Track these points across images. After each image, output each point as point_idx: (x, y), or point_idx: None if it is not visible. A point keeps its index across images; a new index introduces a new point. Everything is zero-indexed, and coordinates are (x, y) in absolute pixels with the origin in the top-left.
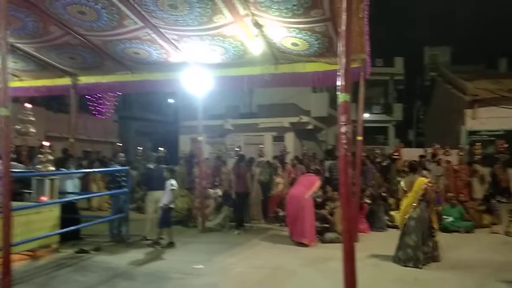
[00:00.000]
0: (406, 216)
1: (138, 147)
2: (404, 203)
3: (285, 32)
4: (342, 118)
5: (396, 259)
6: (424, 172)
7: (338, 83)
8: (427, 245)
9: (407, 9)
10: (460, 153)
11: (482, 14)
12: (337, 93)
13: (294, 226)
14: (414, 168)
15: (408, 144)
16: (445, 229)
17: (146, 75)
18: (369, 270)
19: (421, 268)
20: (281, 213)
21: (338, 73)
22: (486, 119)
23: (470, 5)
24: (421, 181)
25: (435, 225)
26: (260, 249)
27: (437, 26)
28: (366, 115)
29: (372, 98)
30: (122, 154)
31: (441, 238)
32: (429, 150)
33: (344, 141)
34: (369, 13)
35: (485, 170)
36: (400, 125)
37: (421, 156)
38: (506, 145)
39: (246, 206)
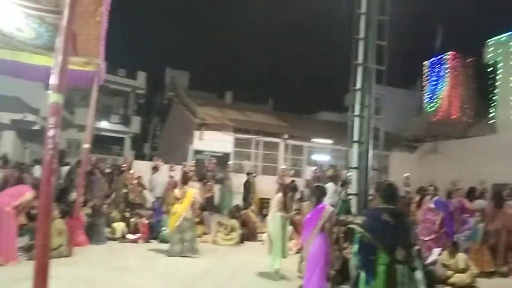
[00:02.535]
0: (180, 218)
1: None
2: (179, 208)
3: (9, 12)
4: (51, 121)
5: (172, 252)
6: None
7: (52, 81)
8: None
9: (156, 30)
10: (184, 169)
11: (220, 50)
12: (48, 92)
13: None
14: (186, 180)
15: (142, 157)
16: (163, 239)
17: None
18: (80, 286)
19: (196, 257)
20: None
21: (52, 71)
22: (210, 141)
23: (210, 40)
24: (192, 192)
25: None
26: None
27: (181, 51)
28: (104, 124)
29: (112, 107)
30: None
31: (161, 248)
32: (151, 164)
33: (51, 146)
34: (117, 24)
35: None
36: (137, 137)
37: (192, 170)
38: (214, 164)
39: None
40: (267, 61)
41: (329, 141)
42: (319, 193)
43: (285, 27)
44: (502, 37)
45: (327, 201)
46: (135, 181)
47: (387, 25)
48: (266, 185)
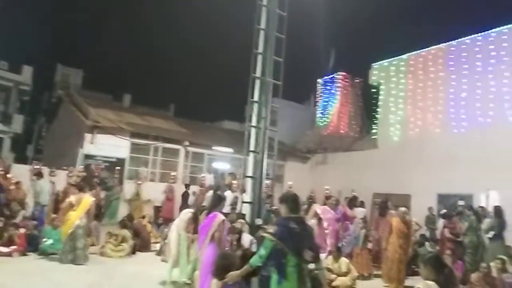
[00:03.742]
0: (73, 226)
1: None
2: (73, 215)
3: None
4: None
5: (65, 261)
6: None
7: None
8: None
9: (48, 22)
10: (69, 175)
11: (120, 50)
12: None
13: None
14: (82, 188)
15: (24, 160)
16: (43, 252)
17: None
18: None
19: (86, 265)
20: None
21: None
22: (103, 146)
23: (108, 38)
24: (88, 199)
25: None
26: None
27: (75, 47)
28: None
29: None
30: None
31: (40, 261)
32: (30, 168)
33: None
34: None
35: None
36: (18, 138)
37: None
38: (101, 169)
39: None
40: (170, 67)
41: (230, 150)
42: (212, 202)
43: (190, 34)
44: (385, 62)
45: (226, 209)
46: (13, 187)
47: (284, 42)
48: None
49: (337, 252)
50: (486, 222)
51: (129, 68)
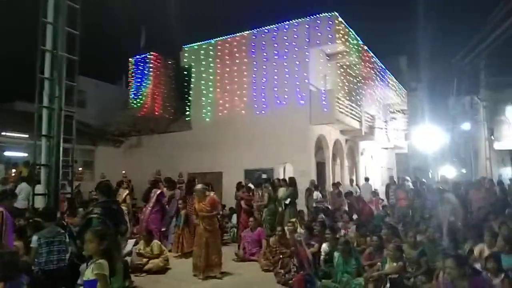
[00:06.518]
0: None
1: None
2: None
3: None
4: None
5: None
6: None
7: None
8: None
9: None
10: None
11: None
12: None
13: None
14: None
15: None
16: None
17: None
18: None
19: None
20: None
21: None
22: None
23: None
24: None
25: None
26: None
27: None
28: None
29: None
30: None
31: None
32: None
33: None
34: None
35: None
36: None
37: None
38: None
39: None
40: None
41: (25, 135)
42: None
43: None
44: (195, 46)
45: (19, 203)
46: None
47: (79, 13)
48: None
49: (148, 236)
50: (282, 191)
51: None
